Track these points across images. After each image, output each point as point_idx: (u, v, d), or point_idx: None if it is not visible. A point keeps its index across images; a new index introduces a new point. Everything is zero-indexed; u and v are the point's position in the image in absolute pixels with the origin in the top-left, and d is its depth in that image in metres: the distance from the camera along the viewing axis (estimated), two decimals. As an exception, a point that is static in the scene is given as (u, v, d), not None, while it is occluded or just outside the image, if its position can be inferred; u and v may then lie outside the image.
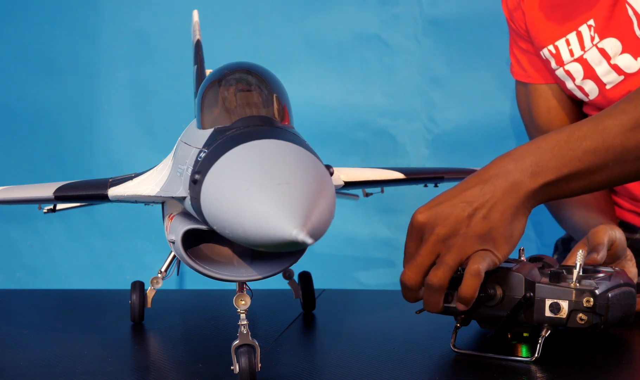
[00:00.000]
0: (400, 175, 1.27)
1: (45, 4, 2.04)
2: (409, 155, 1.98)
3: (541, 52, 1.57)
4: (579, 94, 1.56)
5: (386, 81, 1.98)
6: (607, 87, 1.51)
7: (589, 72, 1.52)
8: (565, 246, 1.73)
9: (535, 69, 1.62)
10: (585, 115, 1.62)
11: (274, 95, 1.02)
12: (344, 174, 1.21)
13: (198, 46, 1.32)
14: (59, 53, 2.04)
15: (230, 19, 2.01)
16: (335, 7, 1.98)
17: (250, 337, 1.00)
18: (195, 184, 0.92)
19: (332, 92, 1.99)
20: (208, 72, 1.19)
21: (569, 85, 1.56)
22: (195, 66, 1.28)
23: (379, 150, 1.98)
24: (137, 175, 1.17)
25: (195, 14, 1.40)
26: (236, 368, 1.00)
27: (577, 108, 1.63)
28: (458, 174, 1.33)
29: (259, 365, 1.01)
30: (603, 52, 1.49)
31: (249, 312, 1.01)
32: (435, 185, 1.34)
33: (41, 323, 1.39)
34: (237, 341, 1.00)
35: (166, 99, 2.02)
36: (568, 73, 1.54)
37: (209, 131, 0.99)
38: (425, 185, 1.35)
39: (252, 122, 0.97)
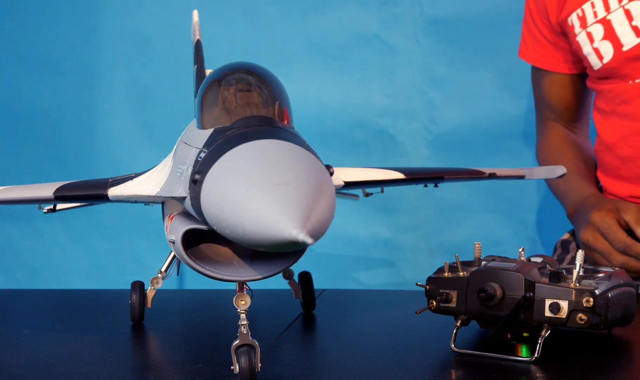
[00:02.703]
0: (400, 175, 1.27)
1: (45, 4, 2.04)
2: (409, 155, 1.98)
3: (568, 19, 1.64)
4: (594, 58, 1.62)
5: (386, 81, 1.98)
6: (624, 48, 1.58)
7: (609, 33, 1.59)
8: (564, 247, 1.74)
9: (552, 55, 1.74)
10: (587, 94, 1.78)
11: (274, 95, 1.02)
12: (344, 174, 1.21)
13: (198, 46, 1.31)
14: (59, 53, 2.05)
15: (230, 19, 2.01)
16: (335, 7, 1.98)
17: (250, 337, 1.00)
18: (195, 184, 0.92)
19: (332, 92, 1.99)
20: (208, 72, 1.19)
21: (586, 49, 1.63)
22: (195, 66, 1.28)
23: (379, 150, 1.98)
24: (137, 175, 1.17)
25: (195, 14, 1.40)
26: (236, 368, 1.00)
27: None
28: (458, 174, 1.33)
29: (259, 365, 1.01)
30: (628, 13, 1.57)
31: (249, 312, 1.01)
32: (435, 185, 1.33)
33: (41, 323, 1.39)
34: (237, 341, 1.00)
35: (166, 99, 2.02)
36: (589, 35, 1.61)
37: (209, 131, 0.99)
38: (425, 185, 1.35)
39: (252, 122, 0.97)
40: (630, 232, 1.51)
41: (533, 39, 1.74)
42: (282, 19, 2.00)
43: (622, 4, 1.58)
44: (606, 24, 1.59)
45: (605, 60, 1.61)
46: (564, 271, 1.11)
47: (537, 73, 1.79)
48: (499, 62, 1.92)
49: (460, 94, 1.97)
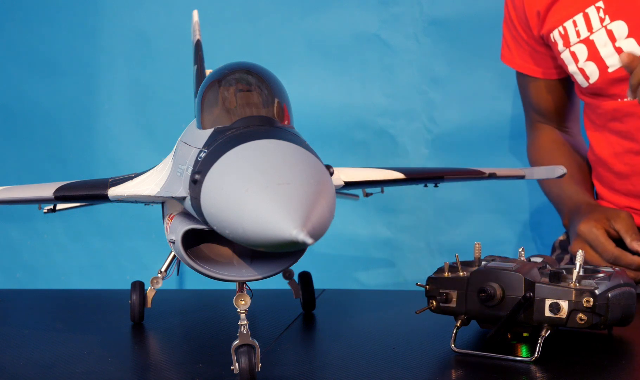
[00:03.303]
0: (400, 175, 1.27)
1: (45, 4, 2.04)
2: (409, 155, 1.98)
3: (550, 35, 1.60)
4: (580, 78, 1.59)
5: (386, 81, 1.98)
6: (609, 70, 1.54)
7: (593, 54, 1.55)
8: (563, 247, 1.74)
9: (535, 63, 1.69)
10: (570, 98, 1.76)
11: (274, 95, 1.02)
12: (344, 174, 1.21)
13: (198, 46, 1.32)
14: (59, 53, 2.04)
15: (230, 19, 2.01)
16: (335, 7, 1.98)
17: (250, 337, 1.00)
18: (195, 184, 0.92)
19: (332, 92, 1.99)
20: (208, 72, 1.19)
21: (571, 68, 1.59)
22: (195, 66, 1.28)
23: (379, 150, 1.98)
24: (137, 175, 1.17)
25: (195, 14, 1.40)
26: (236, 368, 1.00)
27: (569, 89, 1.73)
28: (458, 174, 1.33)
29: (259, 365, 1.01)
30: (610, 34, 1.53)
31: (249, 312, 1.01)
32: (435, 185, 1.34)
33: (41, 323, 1.39)
34: (237, 341, 1.00)
35: (166, 99, 2.02)
36: (573, 54, 1.57)
37: (209, 131, 0.99)
38: (425, 185, 1.35)
39: (252, 122, 0.97)
40: (621, 241, 1.48)
41: (516, 43, 1.71)
42: (282, 19, 2.00)
43: (605, 24, 1.54)
44: (589, 44, 1.55)
45: (592, 81, 1.57)
46: (564, 271, 1.11)
47: (523, 78, 1.76)
48: (499, 62, 1.91)
49: (460, 94, 1.96)
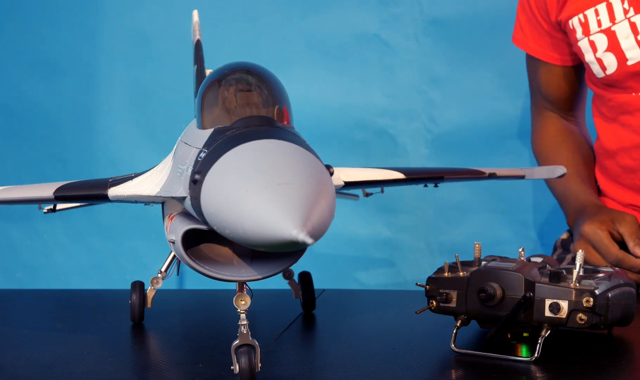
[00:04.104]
0: (400, 175, 1.27)
1: (45, 4, 2.04)
2: (409, 155, 1.98)
3: (569, 22, 1.59)
4: (596, 68, 1.57)
5: (386, 81, 1.98)
6: (629, 63, 1.53)
7: (613, 45, 1.54)
8: (564, 247, 1.73)
9: (552, 47, 1.68)
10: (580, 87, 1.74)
11: (274, 95, 1.02)
12: (344, 174, 1.21)
13: (198, 46, 1.32)
14: (59, 53, 2.05)
15: (230, 19, 2.01)
16: (335, 7, 1.98)
17: (250, 337, 1.00)
18: (195, 184, 0.92)
19: (332, 92, 1.99)
20: (208, 72, 1.19)
21: (588, 57, 1.58)
22: (195, 66, 1.28)
23: (379, 150, 1.98)
24: (137, 175, 1.17)
25: (195, 14, 1.40)
26: (236, 368, 1.00)
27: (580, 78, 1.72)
28: (458, 174, 1.33)
29: (259, 365, 1.01)
30: (634, 26, 1.51)
31: (249, 312, 1.01)
32: (435, 185, 1.34)
33: (41, 323, 1.39)
34: (237, 341, 1.00)
35: (166, 99, 2.02)
36: (592, 43, 1.56)
37: (209, 131, 0.99)
38: (425, 185, 1.35)
39: (252, 122, 0.97)
40: (624, 244, 1.48)
41: (531, 26, 1.68)
42: (282, 19, 2.00)
43: (628, 16, 1.52)
44: (610, 35, 1.54)
45: (609, 72, 1.56)
46: (564, 271, 1.11)
47: (534, 62, 1.73)
48: (499, 62, 1.91)
49: (460, 94, 1.96)
